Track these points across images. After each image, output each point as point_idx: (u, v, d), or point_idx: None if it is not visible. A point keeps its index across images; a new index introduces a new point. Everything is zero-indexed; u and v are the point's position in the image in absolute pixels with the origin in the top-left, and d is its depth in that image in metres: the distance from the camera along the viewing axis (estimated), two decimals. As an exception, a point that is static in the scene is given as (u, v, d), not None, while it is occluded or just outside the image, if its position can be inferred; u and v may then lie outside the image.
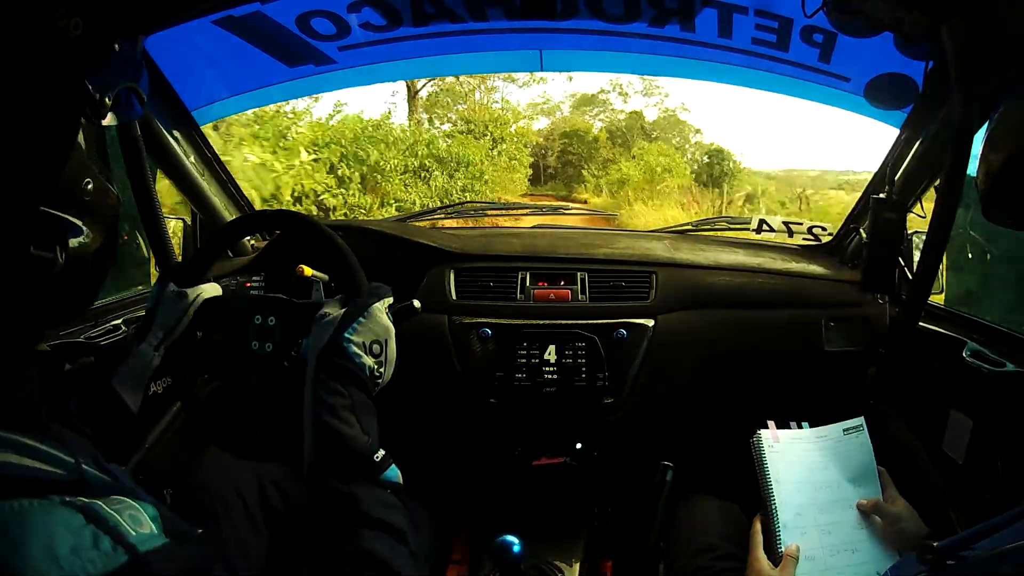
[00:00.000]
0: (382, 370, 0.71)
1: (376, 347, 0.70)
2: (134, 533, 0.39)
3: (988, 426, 0.91)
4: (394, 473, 0.63)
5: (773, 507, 0.86)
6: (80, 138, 0.51)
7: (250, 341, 0.83)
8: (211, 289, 0.84)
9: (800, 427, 0.95)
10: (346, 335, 0.68)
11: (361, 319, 0.70)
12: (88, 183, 0.50)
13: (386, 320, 0.72)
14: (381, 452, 0.63)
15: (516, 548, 0.84)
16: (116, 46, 0.61)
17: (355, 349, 0.68)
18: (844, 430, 0.93)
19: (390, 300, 0.75)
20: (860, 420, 0.93)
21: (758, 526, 0.87)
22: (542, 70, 1.44)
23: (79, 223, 0.49)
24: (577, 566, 1.15)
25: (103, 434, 0.67)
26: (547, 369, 1.15)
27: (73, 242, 0.48)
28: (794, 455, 0.91)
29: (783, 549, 0.83)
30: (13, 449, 0.39)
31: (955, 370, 0.97)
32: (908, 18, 0.81)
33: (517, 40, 1.32)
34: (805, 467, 0.90)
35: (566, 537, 1.20)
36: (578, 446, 1.23)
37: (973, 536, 0.50)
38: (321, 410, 0.63)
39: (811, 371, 1.26)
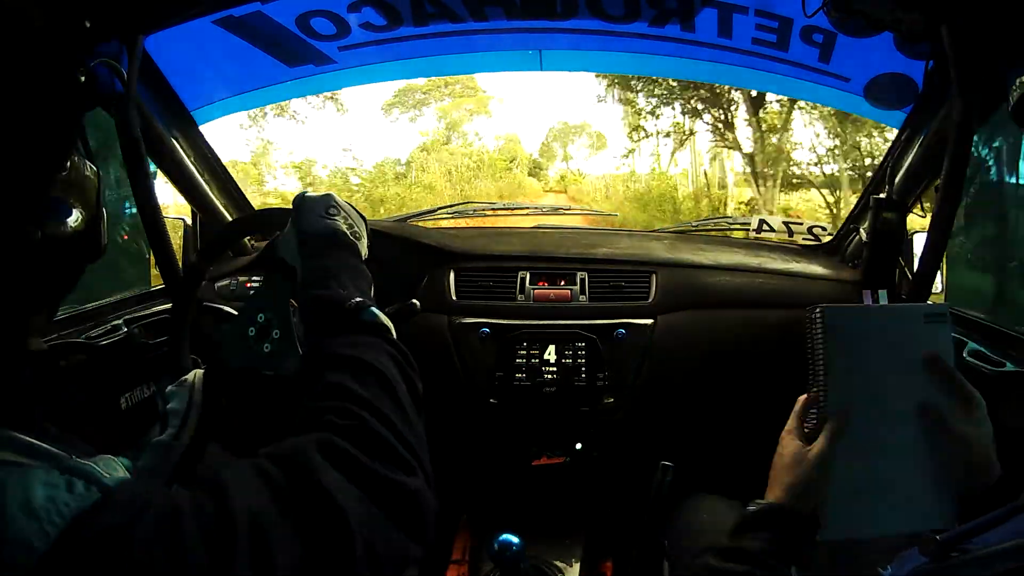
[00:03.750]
0: (351, 223, 0.69)
1: (332, 210, 0.69)
2: (108, 476, 0.39)
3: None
4: (372, 314, 0.58)
5: (822, 404, 0.67)
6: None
7: (261, 347, 0.83)
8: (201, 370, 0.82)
9: (876, 299, 0.71)
10: (302, 223, 0.68)
11: (305, 211, 0.69)
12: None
13: (317, 194, 0.72)
14: (357, 299, 0.59)
15: (516, 547, 0.84)
16: (87, 23, 0.59)
17: (318, 221, 0.67)
18: (925, 315, 0.70)
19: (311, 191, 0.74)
20: (945, 307, 0.71)
21: (803, 399, 0.70)
22: (542, 70, 1.44)
23: (60, 200, 0.48)
24: (577, 566, 1.15)
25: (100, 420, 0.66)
26: (547, 369, 1.15)
27: (54, 221, 0.47)
28: (860, 340, 0.69)
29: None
30: (11, 447, 0.39)
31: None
32: (908, 18, 0.81)
33: (517, 40, 1.32)
34: (871, 361, 0.68)
35: (566, 537, 1.20)
36: (578, 446, 1.23)
37: (976, 528, 0.50)
38: (304, 283, 0.63)
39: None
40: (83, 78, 0.53)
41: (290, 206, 0.73)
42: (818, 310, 0.68)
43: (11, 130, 0.43)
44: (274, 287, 0.84)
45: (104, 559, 0.34)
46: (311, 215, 0.68)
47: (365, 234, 0.72)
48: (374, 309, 0.59)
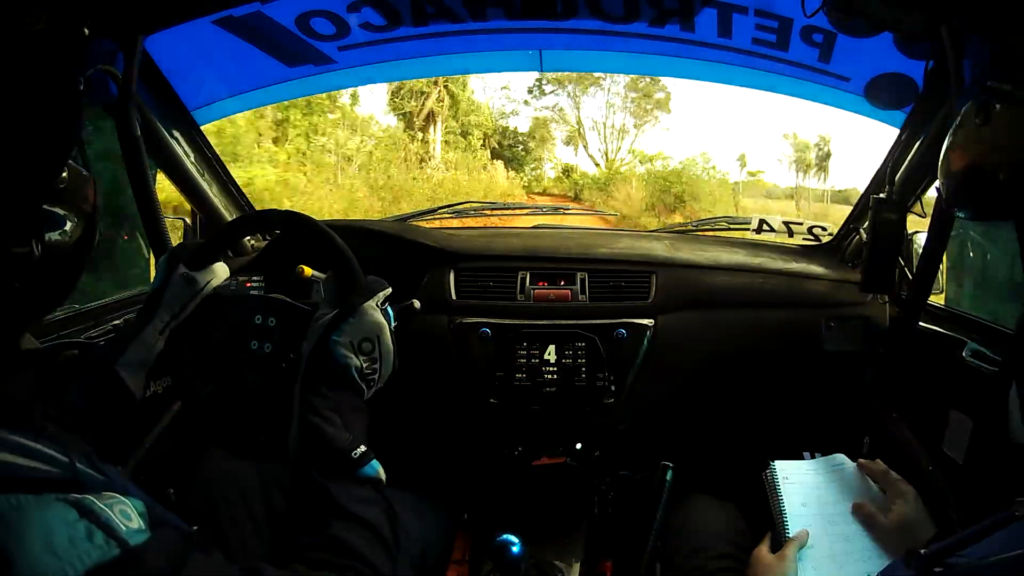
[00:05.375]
0: (375, 366, 0.71)
1: (367, 345, 0.70)
2: (124, 528, 0.40)
3: (988, 426, 0.91)
4: (373, 469, 0.64)
5: (787, 529, 0.84)
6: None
7: (249, 340, 0.82)
8: (221, 272, 0.83)
9: (813, 456, 0.94)
10: (333, 337, 0.68)
11: (351, 319, 0.70)
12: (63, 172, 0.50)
13: (378, 317, 0.72)
14: (361, 448, 0.63)
15: (516, 548, 0.84)
16: (85, 31, 0.60)
17: (342, 350, 0.68)
18: (858, 464, 0.91)
19: (386, 293, 0.74)
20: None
21: (771, 533, 0.86)
22: (542, 70, 1.44)
23: (58, 212, 0.49)
24: (577, 566, 1.15)
25: (101, 425, 0.67)
26: (547, 369, 1.15)
27: (52, 234, 0.48)
28: (808, 485, 0.89)
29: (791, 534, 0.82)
30: (8, 448, 0.39)
31: (955, 370, 0.97)
32: (908, 18, 0.81)
33: (517, 40, 1.32)
34: (819, 497, 0.88)
35: (566, 537, 1.20)
36: (578, 446, 1.23)
37: (961, 541, 0.49)
38: (305, 409, 0.65)
39: (811, 371, 1.26)
40: (82, 87, 0.53)
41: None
42: (771, 466, 0.90)
43: (10, 137, 0.44)
44: (279, 293, 0.85)
45: None
46: (346, 338, 0.69)
47: (385, 379, 0.73)
48: (375, 463, 0.64)
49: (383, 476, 0.65)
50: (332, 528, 0.57)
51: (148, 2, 0.93)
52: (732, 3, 1.14)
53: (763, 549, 0.83)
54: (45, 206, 0.48)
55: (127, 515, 0.42)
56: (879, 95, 1.11)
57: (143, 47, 0.99)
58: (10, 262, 0.45)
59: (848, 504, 0.86)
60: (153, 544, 0.42)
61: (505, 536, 0.84)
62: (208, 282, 0.81)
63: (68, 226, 0.50)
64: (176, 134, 1.23)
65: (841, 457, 0.92)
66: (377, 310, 0.72)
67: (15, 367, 0.49)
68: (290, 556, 0.55)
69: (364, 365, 0.69)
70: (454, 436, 1.29)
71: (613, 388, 1.16)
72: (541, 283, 1.22)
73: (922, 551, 0.50)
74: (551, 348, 1.15)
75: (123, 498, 0.43)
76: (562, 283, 1.22)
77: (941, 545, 0.50)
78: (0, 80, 0.43)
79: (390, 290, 0.76)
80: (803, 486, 0.89)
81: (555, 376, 1.15)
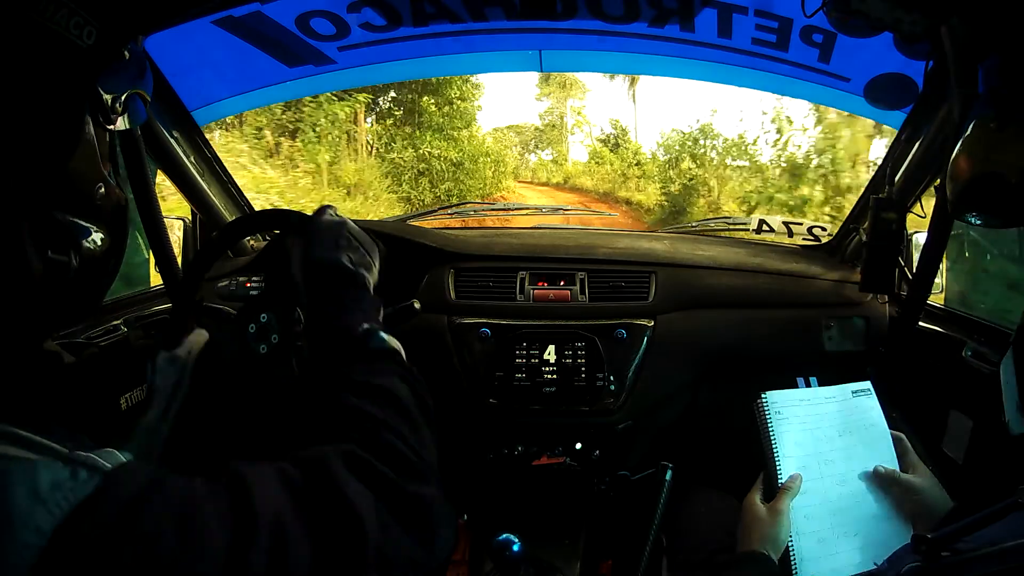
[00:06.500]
0: (361, 251, 0.70)
1: (342, 241, 0.69)
2: (109, 466, 0.40)
3: (988, 426, 0.91)
4: (380, 340, 0.60)
5: (779, 473, 0.81)
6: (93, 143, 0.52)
7: (257, 347, 0.82)
8: (198, 338, 0.83)
9: (808, 384, 0.89)
10: (310, 253, 0.67)
11: (313, 233, 0.69)
12: (100, 187, 0.51)
13: (333, 217, 0.71)
14: (365, 325, 0.60)
15: (516, 547, 0.84)
16: (126, 53, 0.63)
17: (324, 253, 0.67)
18: (853, 392, 0.87)
19: (332, 209, 0.74)
20: (867, 384, 0.88)
21: (764, 473, 0.83)
22: (542, 70, 1.44)
23: (92, 227, 0.50)
24: (577, 566, 1.15)
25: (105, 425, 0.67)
26: (547, 369, 1.15)
27: (87, 244, 0.49)
28: (802, 420, 0.84)
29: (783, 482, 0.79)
30: (9, 441, 0.40)
31: (955, 370, 0.97)
32: (908, 18, 0.81)
33: (517, 40, 1.32)
34: (813, 434, 0.84)
35: (566, 537, 1.20)
36: (578, 446, 1.23)
37: (968, 527, 0.49)
38: (311, 310, 0.64)
39: (811, 371, 1.26)
40: (119, 105, 0.56)
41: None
42: (763, 397, 0.85)
43: (45, 146, 0.45)
44: (277, 292, 0.85)
45: (113, 536, 0.35)
46: (320, 245, 0.68)
47: (376, 263, 0.72)
48: (383, 334, 0.60)
49: (397, 346, 0.61)
50: (343, 401, 0.52)
51: (148, 2, 0.93)
52: (732, 3, 1.14)
53: (755, 498, 0.80)
54: (81, 218, 0.49)
55: (115, 458, 0.41)
56: (879, 95, 1.11)
57: (143, 47, 0.99)
58: (47, 268, 0.46)
59: (844, 441, 0.83)
60: (129, 466, 0.40)
61: (505, 536, 0.84)
62: (190, 352, 0.80)
63: (102, 240, 0.51)
64: (176, 134, 1.23)
65: (835, 389, 0.88)
66: (329, 215, 0.72)
67: (21, 366, 0.50)
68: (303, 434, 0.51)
69: (350, 254, 0.68)
70: (453, 436, 1.29)
71: (613, 388, 1.16)
72: (541, 283, 1.22)
73: (929, 535, 0.50)
74: (551, 348, 1.15)
75: (112, 450, 0.42)
76: (562, 283, 1.22)
77: (949, 529, 0.50)
78: (37, 88, 0.44)
79: (334, 206, 0.75)
80: (796, 421, 0.84)
81: (555, 376, 1.15)
